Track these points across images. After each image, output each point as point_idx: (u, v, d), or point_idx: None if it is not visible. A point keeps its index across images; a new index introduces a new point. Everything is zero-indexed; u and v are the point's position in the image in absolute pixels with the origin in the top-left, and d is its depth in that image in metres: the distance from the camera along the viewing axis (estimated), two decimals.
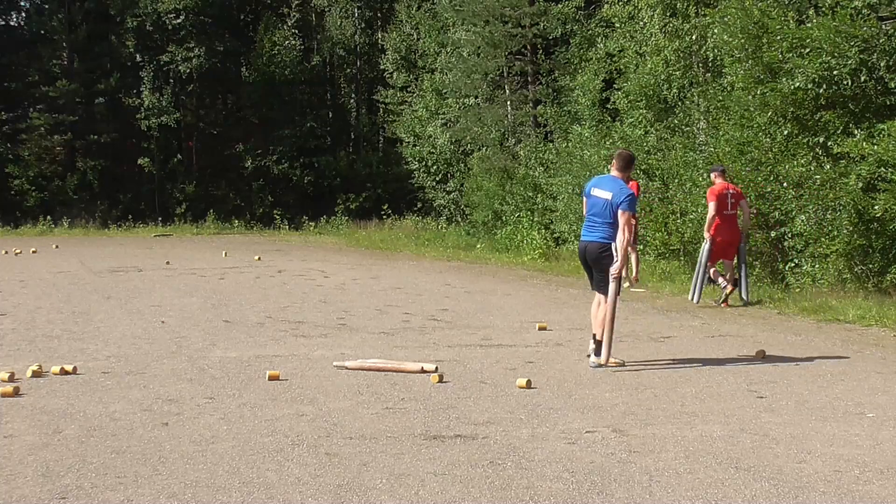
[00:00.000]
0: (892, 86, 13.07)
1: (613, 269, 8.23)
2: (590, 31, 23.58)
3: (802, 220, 13.74)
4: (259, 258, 20.39)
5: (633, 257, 14.18)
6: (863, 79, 13.07)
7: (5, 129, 36.19)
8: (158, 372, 8.08)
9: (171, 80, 36.27)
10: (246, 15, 38.78)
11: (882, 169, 12.54)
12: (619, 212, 8.16)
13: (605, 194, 8.29)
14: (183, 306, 12.41)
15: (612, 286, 8.27)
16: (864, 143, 12.64)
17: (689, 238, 16.73)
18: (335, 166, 36.24)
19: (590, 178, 18.78)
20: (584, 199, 8.46)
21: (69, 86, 35.09)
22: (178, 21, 35.44)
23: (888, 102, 13.27)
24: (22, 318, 11.26)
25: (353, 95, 40.04)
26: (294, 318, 11.38)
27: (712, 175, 13.02)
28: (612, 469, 5.30)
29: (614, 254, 8.20)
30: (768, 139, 14.73)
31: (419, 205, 31.62)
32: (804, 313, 11.58)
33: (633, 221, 8.69)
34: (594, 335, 8.38)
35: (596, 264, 8.36)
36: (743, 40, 14.55)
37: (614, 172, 8.52)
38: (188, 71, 35.26)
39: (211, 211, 33.50)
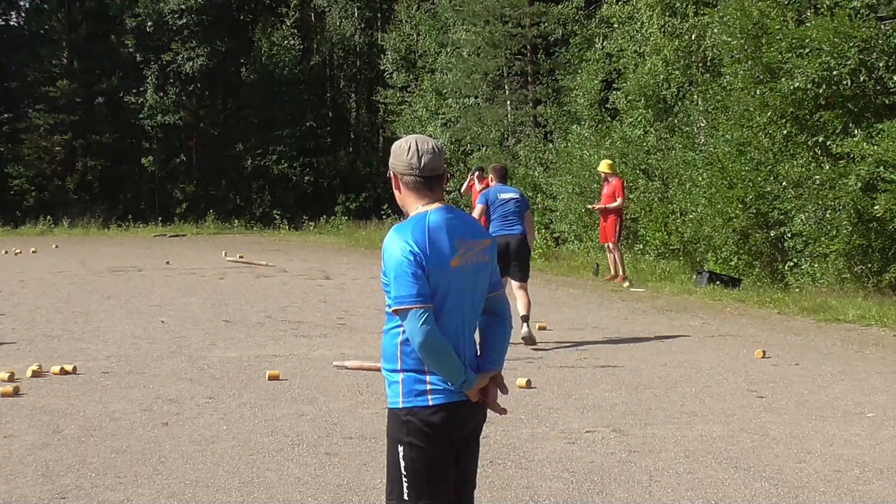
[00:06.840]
0: (892, 86, 13.08)
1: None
2: (589, 32, 23.57)
3: (802, 220, 13.74)
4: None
5: (616, 255, 14.62)
6: (862, 79, 13.08)
7: (5, 129, 36.14)
8: (158, 372, 8.08)
9: (172, 80, 36.25)
10: (245, 15, 38.75)
11: (881, 169, 12.55)
12: (527, 212, 9.63)
13: (513, 195, 9.60)
14: (183, 306, 12.41)
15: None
16: (864, 143, 12.65)
17: (689, 238, 16.72)
18: (335, 166, 36.19)
19: (589, 178, 18.85)
20: (487, 205, 9.50)
21: (69, 86, 35.05)
22: (182, 21, 35.40)
23: (887, 102, 13.28)
24: (22, 318, 11.25)
25: (352, 95, 39.99)
26: (294, 318, 11.37)
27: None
28: (612, 469, 5.31)
29: (530, 245, 9.73)
30: (768, 139, 14.72)
31: None
32: (804, 313, 11.57)
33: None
34: (522, 316, 9.42)
35: (520, 255, 9.46)
36: (742, 40, 14.55)
37: (498, 184, 9.78)
38: (191, 71, 35.22)
39: (211, 211, 33.45)
